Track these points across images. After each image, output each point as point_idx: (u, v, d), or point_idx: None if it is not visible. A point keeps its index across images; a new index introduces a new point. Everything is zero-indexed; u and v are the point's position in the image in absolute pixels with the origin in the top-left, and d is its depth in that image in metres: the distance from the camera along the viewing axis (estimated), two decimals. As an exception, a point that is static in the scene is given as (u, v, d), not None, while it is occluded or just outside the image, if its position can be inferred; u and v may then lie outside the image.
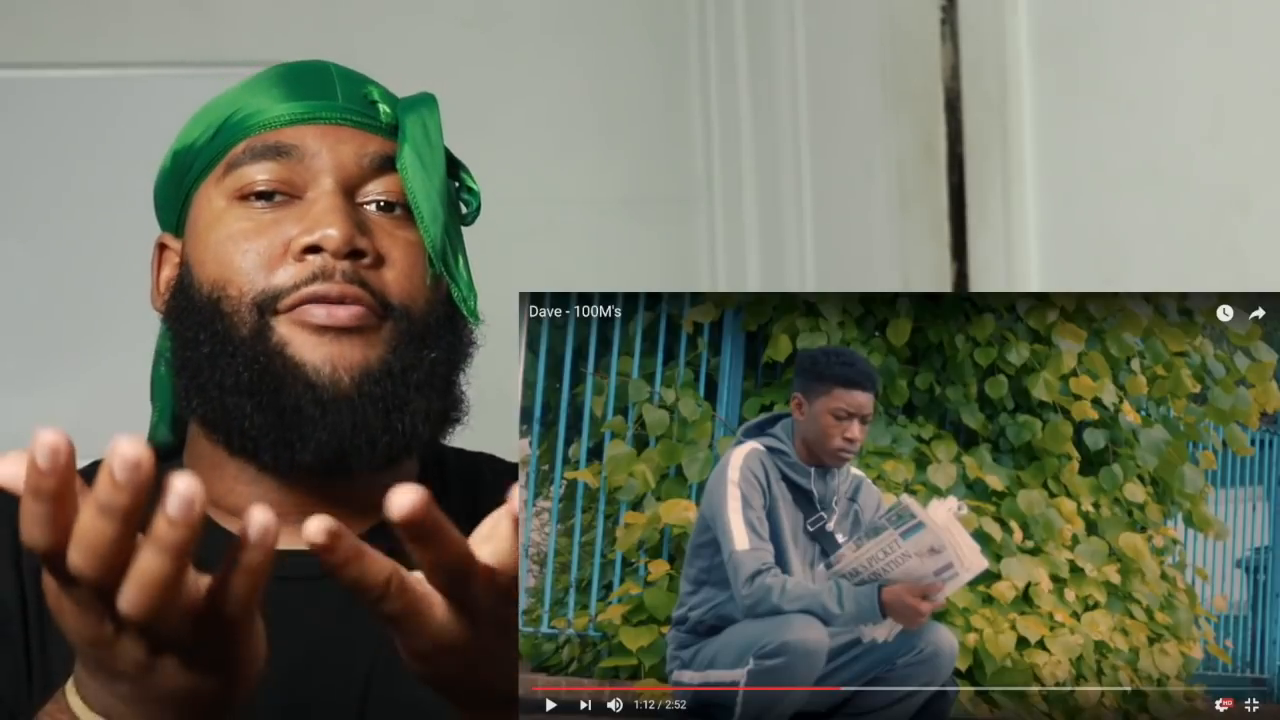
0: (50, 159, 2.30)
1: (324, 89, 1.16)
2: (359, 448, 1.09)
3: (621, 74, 2.55)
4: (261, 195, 1.12)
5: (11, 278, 2.29)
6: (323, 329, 1.09)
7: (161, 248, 1.21)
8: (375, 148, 1.14)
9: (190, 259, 1.15)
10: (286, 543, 1.11)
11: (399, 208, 1.14)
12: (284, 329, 1.10)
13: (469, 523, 1.16)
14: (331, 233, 1.09)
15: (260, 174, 1.12)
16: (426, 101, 1.17)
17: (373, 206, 1.14)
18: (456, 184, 1.21)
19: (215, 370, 1.10)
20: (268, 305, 1.10)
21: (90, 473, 1.13)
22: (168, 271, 1.19)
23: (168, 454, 1.20)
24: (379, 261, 1.12)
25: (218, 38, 2.37)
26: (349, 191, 1.13)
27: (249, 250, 1.11)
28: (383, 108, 1.16)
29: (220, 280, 1.11)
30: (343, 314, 1.09)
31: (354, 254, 1.10)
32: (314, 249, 1.10)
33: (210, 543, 1.10)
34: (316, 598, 1.09)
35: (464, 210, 1.22)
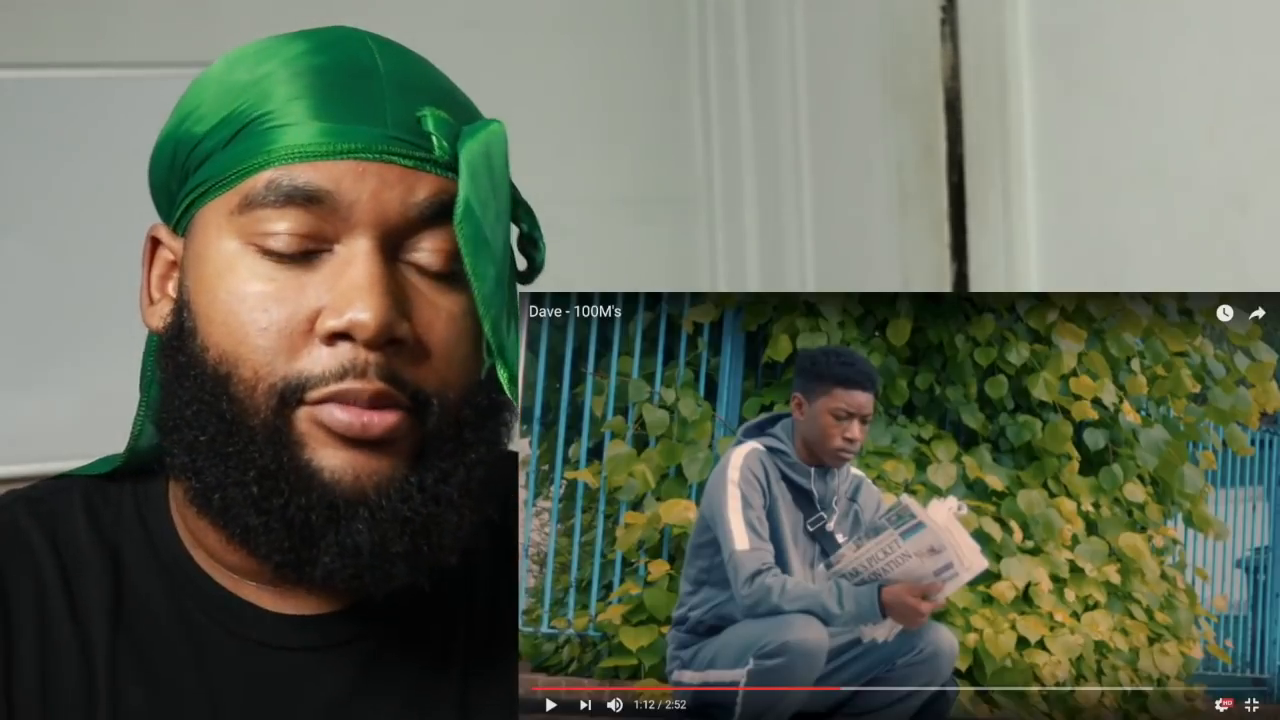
0: (50, 159, 2.30)
1: (371, 108, 0.95)
2: (376, 573, 0.93)
3: (621, 74, 2.55)
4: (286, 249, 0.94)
5: (11, 278, 2.29)
6: (349, 439, 0.93)
7: (155, 242, 1.02)
8: (426, 193, 0.94)
9: (194, 303, 0.96)
10: (286, 608, 1.02)
11: (449, 269, 0.95)
12: (304, 425, 0.93)
13: (499, 524, 1.07)
14: (364, 318, 0.91)
15: (284, 224, 0.93)
16: (492, 131, 0.96)
17: (418, 266, 0.95)
18: (520, 229, 1.01)
19: (215, 463, 0.94)
20: (291, 396, 0.92)
21: (85, 473, 1.12)
22: (159, 270, 1.02)
23: (152, 457, 1.03)
24: (418, 350, 0.94)
25: (218, 38, 2.35)
26: (392, 248, 0.94)
27: (268, 325, 0.92)
28: (437, 140, 0.95)
29: (231, 356, 0.93)
30: (377, 427, 0.92)
31: (390, 342, 0.93)
32: (344, 335, 0.92)
33: (197, 589, 1.02)
34: (325, 668, 1.01)
35: (524, 265, 1.03)
